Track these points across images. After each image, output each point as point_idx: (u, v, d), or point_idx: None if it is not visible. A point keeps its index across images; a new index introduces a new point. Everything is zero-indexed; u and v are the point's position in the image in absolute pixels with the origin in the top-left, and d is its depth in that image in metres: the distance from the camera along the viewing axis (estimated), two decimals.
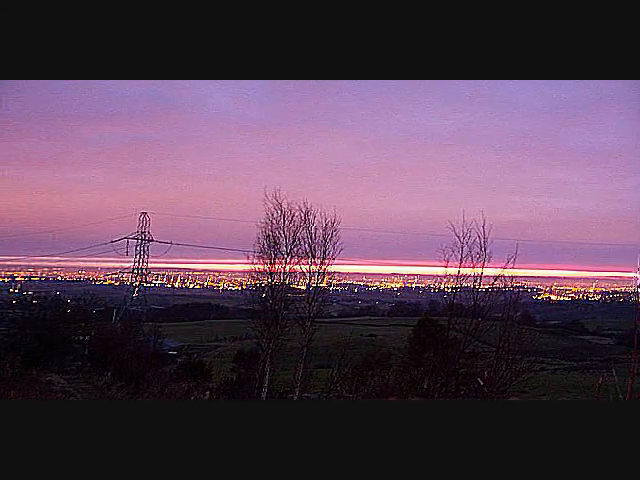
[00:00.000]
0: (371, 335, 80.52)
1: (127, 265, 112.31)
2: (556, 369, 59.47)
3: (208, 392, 19.52)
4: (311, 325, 20.62)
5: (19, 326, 37.80)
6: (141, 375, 25.39)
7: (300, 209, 20.81)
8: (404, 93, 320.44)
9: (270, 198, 20.83)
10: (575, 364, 66.50)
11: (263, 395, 19.44)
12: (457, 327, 18.99)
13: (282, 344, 20.86)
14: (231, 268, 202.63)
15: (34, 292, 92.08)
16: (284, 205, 20.81)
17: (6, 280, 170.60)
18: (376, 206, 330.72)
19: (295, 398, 18.86)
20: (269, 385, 20.46)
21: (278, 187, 20.94)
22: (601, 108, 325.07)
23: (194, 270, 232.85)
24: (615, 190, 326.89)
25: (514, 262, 17.63)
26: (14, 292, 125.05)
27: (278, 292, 21.01)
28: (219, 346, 77.35)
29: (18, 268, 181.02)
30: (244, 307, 32.86)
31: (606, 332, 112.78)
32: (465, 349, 18.85)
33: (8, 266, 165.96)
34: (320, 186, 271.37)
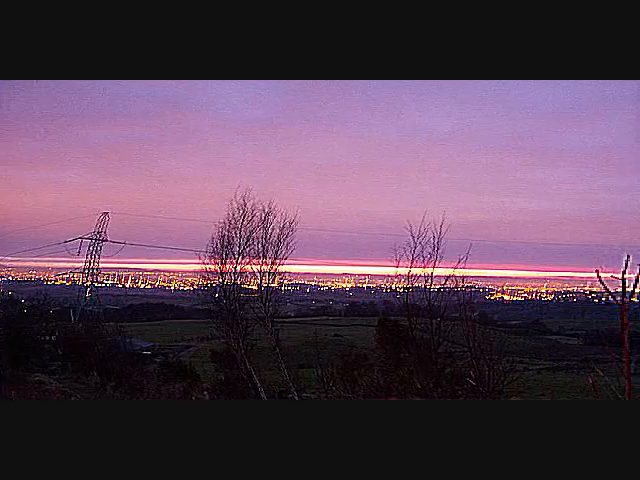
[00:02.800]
0: (336, 335, 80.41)
1: (78, 265, 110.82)
2: (540, 369, 59.88)
3: (206, 392, 19.62)
4: (273, 325, 20.81)
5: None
6: (128, 375, 25.32)
7: (263, 209, 21.02)
8: (415, 93, 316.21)
9: (237, 198, 21.02)
10: (555, 364, 67.06)
11: (262, 395, 19.59)
12: (419, 327, 19.13)
13: (252, 344, 21.01)
14: (182, 268, 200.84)
15: None
16: (248, 206, 20.99)
17: None
18: (342, 206, 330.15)
19: (296, 398, 19.06)
20: (261, 385, 20.62)
21: (250, 187, 21.17)
22: (606, 109, 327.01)
23: (145, 270, 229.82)
24: (586, 190, 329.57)
25: (465, 262, 17.68)
26: None
27: (231, 292, 21.11)
28: (190, 346, 76.38)
29: None
30: (200, 307, 32.49)
31: (569, 332, 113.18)
32: (437, 349, 19.03)
33: None
34: (293, 186, 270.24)
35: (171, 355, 60.17)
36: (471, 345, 17.50)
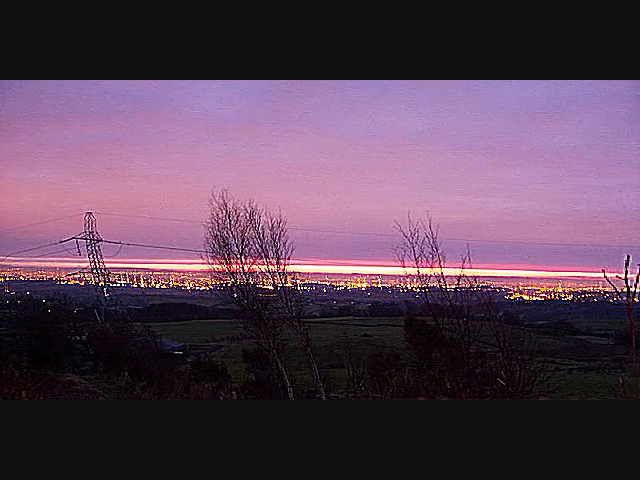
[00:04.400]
0: (365, 335, 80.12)
1: (84, 265, 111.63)
2: (571, 369, 59.21)
3: (234, 392, 19.64)
4: (301, 325, 20.74)
5: (17, 325, 37.38)
6: (160, 375, 25.40)
7: (245, 209, 20.95)
8: (390, 93, 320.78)
9: (216, 198, 20.97)
10: (587, 364, 66.14)
11: (290, 395, 19.56)
12: (447, 327, 18.91)
13: (283, 344, 20.98)
14: (188, 268, 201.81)
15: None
16: (229, 205, 20.93)
17: None
18: (319, 206, 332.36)
19: (323, 398, 19.01)
20: (291, 385, 20.58)
21: (226, 187, 21.06)
22: (576, 109, 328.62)
23: (153, 270, 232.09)
24: (560, 190, 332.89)
25: (470, 262, 17.69)
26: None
27: (250, 292, 21.06)
28: (221, 346, 77.08)
29: None
30: (222, 307, 32.57)
31: (598, 332, 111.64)
32: (469, 349, 18.88)
33: None
34: (268, 186, 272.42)
35: (203, 355, 60.60)
36: (502, 345, 17.35)
